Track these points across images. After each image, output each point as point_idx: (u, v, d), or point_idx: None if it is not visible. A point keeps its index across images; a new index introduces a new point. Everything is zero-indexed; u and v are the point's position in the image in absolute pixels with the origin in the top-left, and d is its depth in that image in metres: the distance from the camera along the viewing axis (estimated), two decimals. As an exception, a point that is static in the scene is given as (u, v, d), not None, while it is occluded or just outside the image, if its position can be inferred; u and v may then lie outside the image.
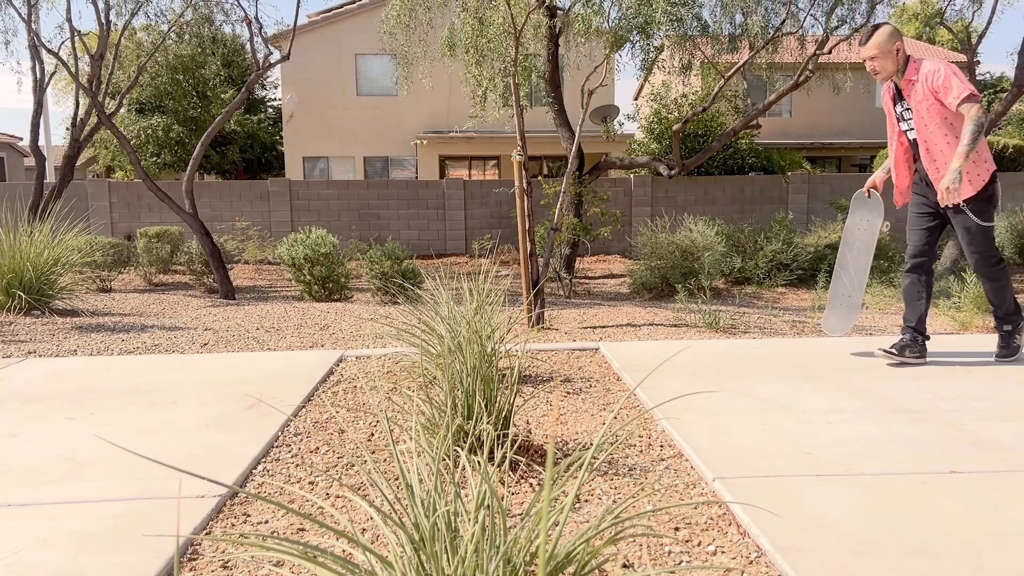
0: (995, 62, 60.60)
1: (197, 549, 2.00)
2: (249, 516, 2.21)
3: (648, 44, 9.08)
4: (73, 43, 9.40)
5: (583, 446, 2.82)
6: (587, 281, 9.97)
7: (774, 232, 9.41)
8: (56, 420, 3.13)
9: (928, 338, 4.10)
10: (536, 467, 2.54)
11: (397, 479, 2.42)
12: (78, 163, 10.92)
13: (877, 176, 4.35)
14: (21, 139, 26.18)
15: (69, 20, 9.16)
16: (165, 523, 2.10)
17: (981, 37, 10.06)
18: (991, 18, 9.48)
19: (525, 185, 5.56)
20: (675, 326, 5.76)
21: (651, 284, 8.14)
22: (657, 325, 5.85)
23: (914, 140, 4.00)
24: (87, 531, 2.05)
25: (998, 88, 31.59)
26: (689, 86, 12.57)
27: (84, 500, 2.27)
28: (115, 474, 2.48)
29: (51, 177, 16.35)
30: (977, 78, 9.78)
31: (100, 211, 13.58)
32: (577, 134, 6.68)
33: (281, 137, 24.00)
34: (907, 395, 3.40)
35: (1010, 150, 17.73)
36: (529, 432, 2.97)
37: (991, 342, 4.47)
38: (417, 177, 20.73)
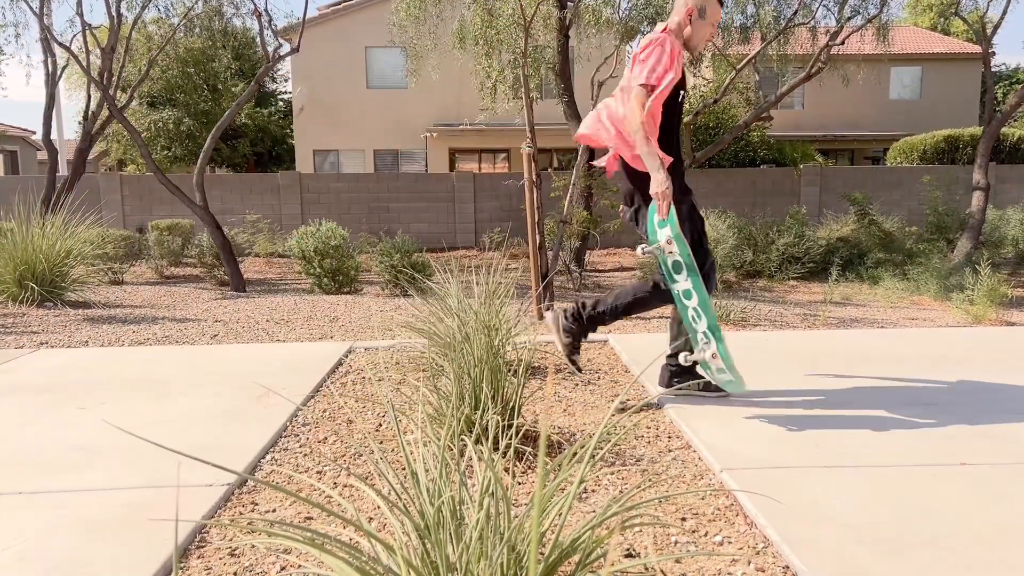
0: (1010, 53, 60.10)
1: (205, 537, 2.01)
2: (257, 505, 2.22)
3: (659, 35, 9.02)
4: (84, 37, 9.44)
5: (590, 436, 2.82)
6: (597, 274, 9.95)
7: (786, 225, 9.35)
8: (67, 410, 3.15)
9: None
10: (544, 457, 2.53)
11: (404, 469, 2.42)
12: (90, 157, 11.00)
13: None
14: (34, 132, 26.34)
15: (80, 14, 9.19)
16: (174, 511, 2.12)
17: (996, 28, 9.93)
18: (1007, 8, 9.35)
19: (535, 177, 5.55)
20: (685, 318, 5.74)
21: (661, 277, 8.09)
22: (667, 318, 5.83)
23: None
24: (97, 519, 2.07)
25: (1013, 79, 31.26)
26: (700, 77, 12.50)
27: (94, 488, 2.28)
28: (125, 463, 2.50)
29: (63, 170, 16.45)
30: (992, 69, 9.66)
31: (112, 204, 13.65)
32: (587, 126, 6.64)
33: (291, 130, 24.05)
34: (918, 387, 3.38)
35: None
36: (536, 423, 2.97)
37: (1005, 335, 4.44)
38: (427, 170, 20.74)
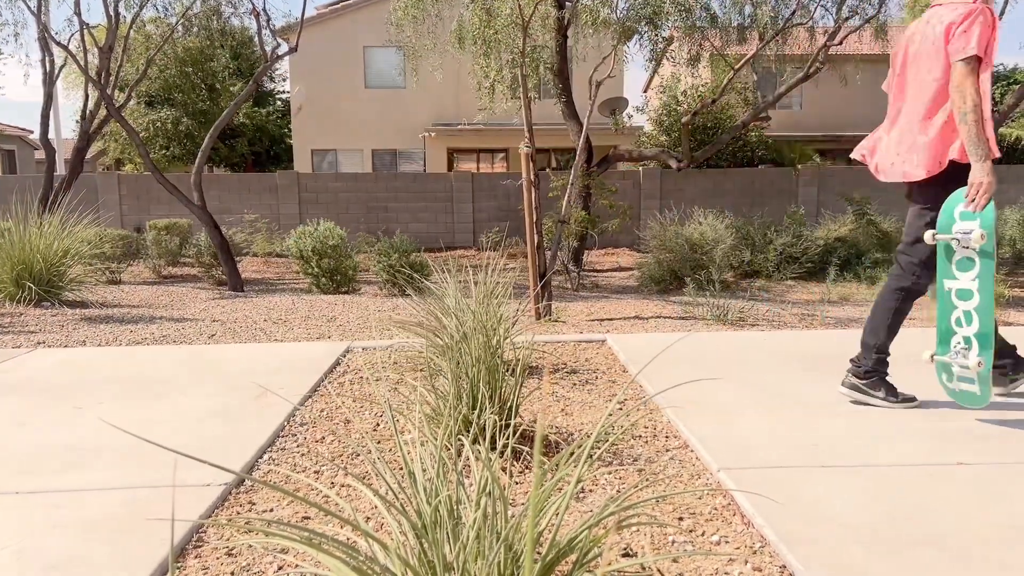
0: (1008, 54, 60.23)
1: (202, 536, 2.01)
2: (254, 504, 2.22)
3: (657, 35, 9.03)
4: (82, 36, 9.42)
5: (587, 436, 2.82)
6: (595, 274, 9.95)
7: (784, 225, 9.35)
8: (64, 410, 3.15)
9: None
10: (541, 457, 2.53)
11: (401, 468, 2.42)
12: (88, 156, 10.98)
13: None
14: (31, 132, 26.31)
15: (78, 13, 9.18)
16: (171, 511, 2.11)
17: (994, 28, 9.93)
18: (1004, 8, 9.36)
19: (533, 177, 5.55)
20: (683, 319, 5.75)
21: (659, 277, 8.11)
22: (665, 318, 5.83)
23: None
24: (94, 519, 2.06)
25: (1011, 80, 31.29)
26: (698, 78, 12.50)
27: (92, 488, 2.28)
28: (122, 463, 2.49)
29: (61, 169, 16.42)
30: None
31: (110, 203, 13.64)
32: (585, 126, 6.65)
33: (290, 130, 24.02)
34: (914, 388, 3.38)
35: (1023, 143, 17.56)
36: (534, 423, 2.97)
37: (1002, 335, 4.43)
38: (425, 170, 20.72)
